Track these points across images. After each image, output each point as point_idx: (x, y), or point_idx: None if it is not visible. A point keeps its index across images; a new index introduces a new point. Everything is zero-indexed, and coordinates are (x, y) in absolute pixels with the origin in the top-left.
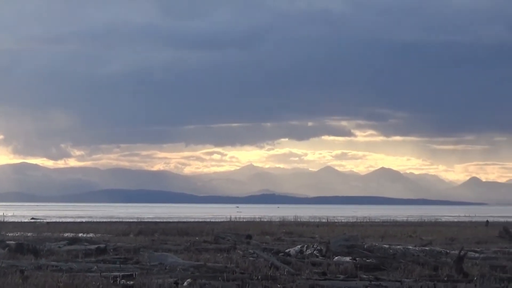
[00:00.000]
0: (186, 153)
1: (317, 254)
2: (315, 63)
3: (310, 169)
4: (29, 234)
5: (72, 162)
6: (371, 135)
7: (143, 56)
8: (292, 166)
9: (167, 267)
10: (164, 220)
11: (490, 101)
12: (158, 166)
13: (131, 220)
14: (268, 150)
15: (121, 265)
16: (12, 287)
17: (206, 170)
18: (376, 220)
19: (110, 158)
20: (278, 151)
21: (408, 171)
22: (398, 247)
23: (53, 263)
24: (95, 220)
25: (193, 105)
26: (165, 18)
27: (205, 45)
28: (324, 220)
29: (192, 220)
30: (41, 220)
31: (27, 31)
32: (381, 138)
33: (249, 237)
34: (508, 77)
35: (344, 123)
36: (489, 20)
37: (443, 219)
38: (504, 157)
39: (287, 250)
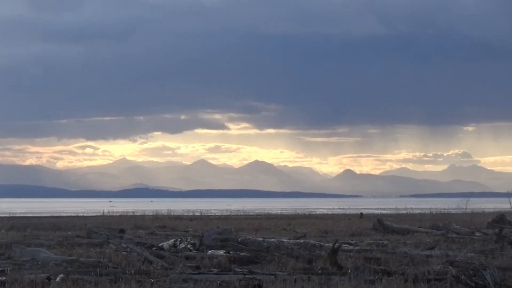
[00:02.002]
0: (59, 147)
1: (191, 248)
2: (188, 55)
3: (183, 162)
4: None
5: None
6: (244, 128)
7: (12, 50)
8: (165, 160)
9: (39, 263)
10: (37, 215)
11: (362, 93)
12: (30, 161)
13: (3, 215)
14: (141, 143)
15: None
16: None
17: (79, 164)
18: (250, 213)
19: None
20: (151, 144)
21: (282, 164)
22: (272, 240)
23: None
24: None
25: (64, 99)
26: (34, 11)
27: (75, 38)
28: (197, 214)
29: (65, 214)
30: None
31: None
32: (254, 131)
33: (122, 231)
34: (381, 70)
35: (217, 116)
36: (360, 12)
37: (317, 212)
38: (377, 149)
39: (160, 244)
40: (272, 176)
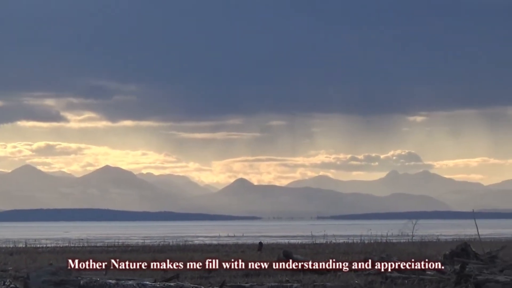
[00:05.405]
0: None
1: None
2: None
3: (0, 170)
4: None
5: None
6: (89, 119)
7: None
8: None
9: None
10: None
11: (262, 66)
12: None
13: None
14: None
15: None
16: None
17: None
18: (99, 244)
19: None
20: None
21: (144, 172)
22: (130, 282)
23: None
24: None
25: None
26: None
27: None
28: (21, 245)
29: None
30: None
31: None
32: (104, 123)
33: None
34: (287, 30)
35: (49, 101)
36: None
37: (197, 241)
38: (284, 150)
39: None
40: (131, 189)
